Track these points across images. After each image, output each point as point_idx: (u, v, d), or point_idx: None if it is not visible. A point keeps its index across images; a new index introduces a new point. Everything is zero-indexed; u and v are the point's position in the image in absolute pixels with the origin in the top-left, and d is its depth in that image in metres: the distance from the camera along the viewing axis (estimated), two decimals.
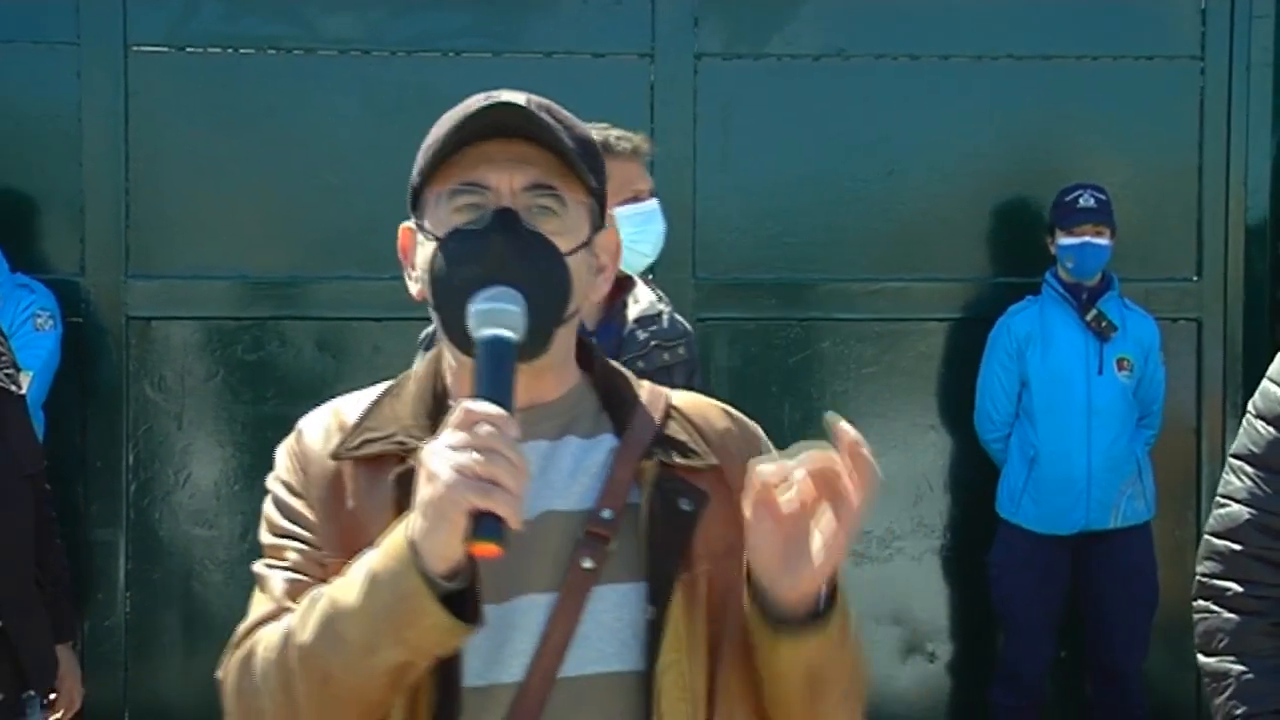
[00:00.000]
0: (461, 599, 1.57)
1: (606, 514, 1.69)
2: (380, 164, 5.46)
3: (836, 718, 1.74)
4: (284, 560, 1.73)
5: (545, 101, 1.76)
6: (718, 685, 1.70)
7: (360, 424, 1.75)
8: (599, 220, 1.77)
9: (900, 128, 5.51)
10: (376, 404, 1.78)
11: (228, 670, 1.69)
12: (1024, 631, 5.26)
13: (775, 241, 5.54)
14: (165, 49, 5.41)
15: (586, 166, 1.73)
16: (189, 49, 5.43)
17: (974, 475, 5.54)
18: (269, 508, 1.78)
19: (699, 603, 1.69)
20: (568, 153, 1.70)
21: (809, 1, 5.62)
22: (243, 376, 5.45)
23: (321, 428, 1.78)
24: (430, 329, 3.44)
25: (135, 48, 5.37)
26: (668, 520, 1.69)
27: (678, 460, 1.73)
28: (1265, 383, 2.48)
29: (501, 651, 1.66)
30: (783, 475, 1.60)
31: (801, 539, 1.60)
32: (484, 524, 1.51)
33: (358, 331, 5.49)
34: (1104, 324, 5.26)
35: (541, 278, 1.68)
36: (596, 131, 3.42)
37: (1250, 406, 2.50)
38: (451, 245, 1.70)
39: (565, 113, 1.77)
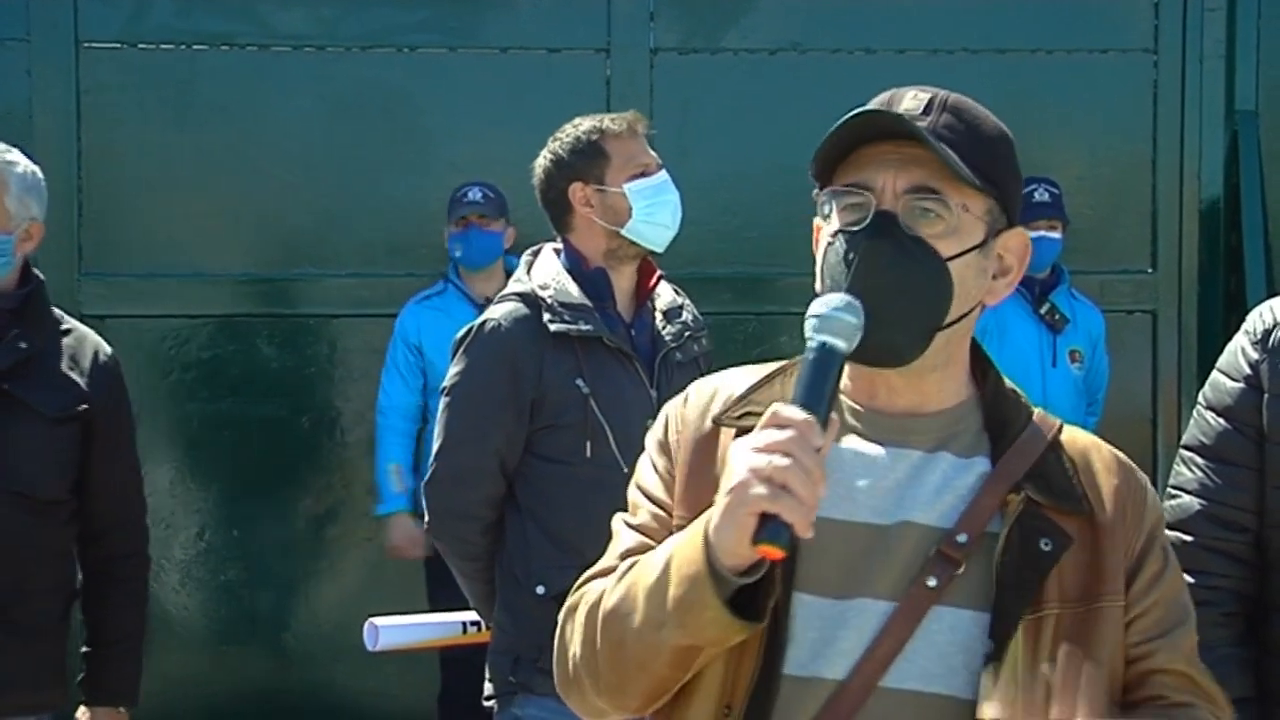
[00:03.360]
0: (754, 593, 1.61)
1: (962, 538, 1.68)
2: (336, 160, 5.45)
3: None
4: (636, 519, 1.79)
5: (955, 100, 1.74)
6: None
7: (747, 395, 1.77)
8: (1001, 221, 1.73)
9: None
10: (768, 379, 1.79)
11: (562, 615, 1.78)
12: None
13: (732, 236, 5.54)
14: (117, 45, 5.38)
15: (983, 167, 1.69)
16: (141, 45, 5.40)
17: None
18: (641, 463, 1.83)
19: (1042, 644, 1.67)
20: (945, 157, 1.67)
21: None
22: (198, 375, 5.42)
23: (709, 393, 1.81)
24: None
25: (86, 44, 5.33)
26: (1023, 557, 1.67)
27: (1047, 499, 1.71)
28: (1215, 374, 2.50)
29: (829, 647, 1.67)
30: None
31: None
32: (770, 527, 1.54)
33: (314, 328, 5.47)
34: (1056, 316, 5.30)
35: (918, 282, 1.67)
36: (589, 121, 3.41)
37: (1200, 398, 2.51)
38: (835, 245, 1.70)
39: (975, 111, 1.75)
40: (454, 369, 3.35)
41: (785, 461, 1.54)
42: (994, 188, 1.71)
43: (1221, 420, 2.45)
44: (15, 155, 3.38)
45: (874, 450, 1.72)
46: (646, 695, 1.71)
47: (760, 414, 1.66)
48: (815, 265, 1.75)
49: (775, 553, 1.55)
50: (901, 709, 1.66)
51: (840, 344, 1.62)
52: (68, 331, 3.40)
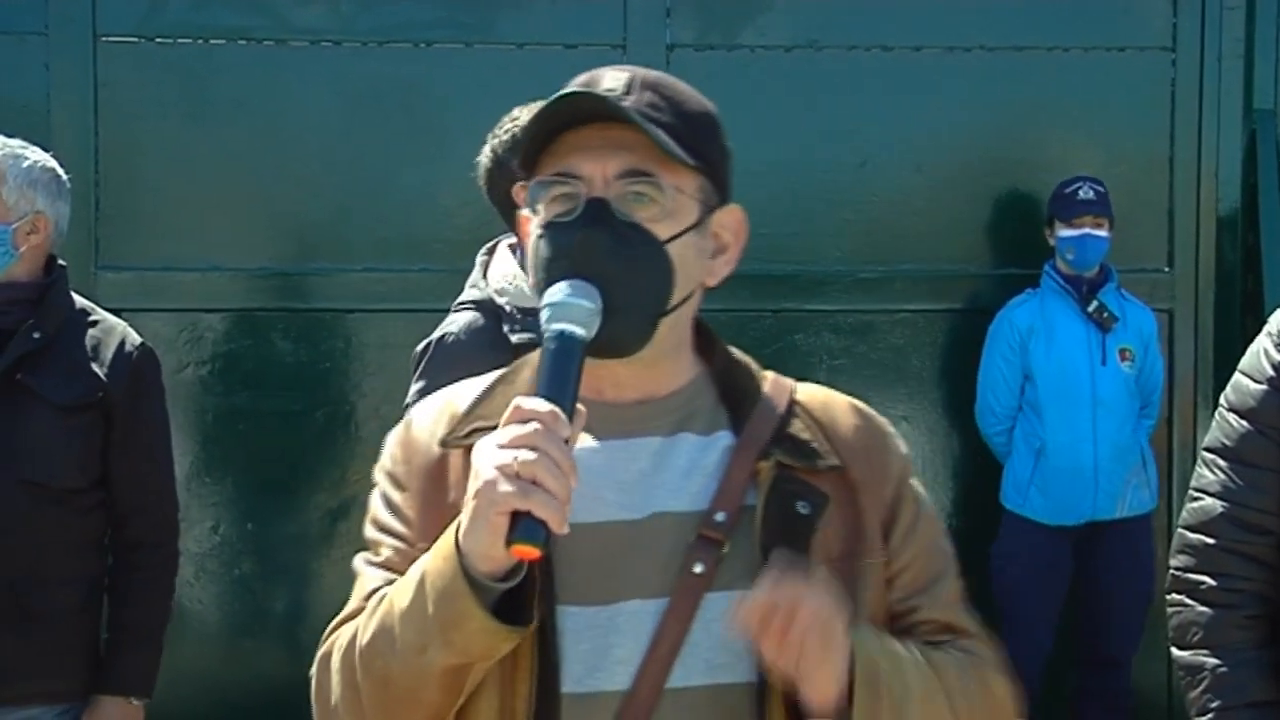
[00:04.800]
0: (516, 598, 1.54)
1: (720, 517, 1.62)
2: (352, 155, 5.45)
3: None
4: (379, 556, 1.71)
5: (654, 77, 1.69)
6: None
7: (471, 411, 1.68)
8: (714, 199, 1.70)
9: (873, 119, 5.50)
10: (489, 391, 1.71)
11: (315, 667, 1.70)
12: (1023, 624, 5.11)
13: (749, 232, 5.52)
14: (135, 39, 5.38)
15: (692, 145, 1.65)
16: (159, 39, 5.40)
17: (955, 466, 5.55)
18: (373, 499, 1.75)
19: None
20: (657, 138, 1.61)
21: None
22: (214, 369, 5.43)
23: (432, 415, 1.73)
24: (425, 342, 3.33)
25: (104, 38, 5.34)
26: (784, 524, 1.62)
27: (797, 461, 1.66)
28: (1237, 376, 2.48)
29: (605, 658, 1.60)
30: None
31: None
32: (523, 526, 1.47)
33: (330, 323, 5.47)
34: (1105, 315, 5.27)
35: (638, 269, 1.61)
36: (526, 113, 3.20)
37: (1222, 400, 2.50)
38: (546, 238, 1.64)
39: (676, 88, 1.70)
40: (414, 386, 3.23)
41: (532, 455, 1.47)
42: (704, 164, 1.67)
43: (1244, 422, 2.43)
44: (29, 151, 3.39)
45: (610, 445, 1.66)
46: None
47: (489, 429, 1.59)
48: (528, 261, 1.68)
49: (531, 552, 1.48)
50: (695, 708, 1.60)
51: (579, 331, 1.57)
52: (95, 323, 3.41)
